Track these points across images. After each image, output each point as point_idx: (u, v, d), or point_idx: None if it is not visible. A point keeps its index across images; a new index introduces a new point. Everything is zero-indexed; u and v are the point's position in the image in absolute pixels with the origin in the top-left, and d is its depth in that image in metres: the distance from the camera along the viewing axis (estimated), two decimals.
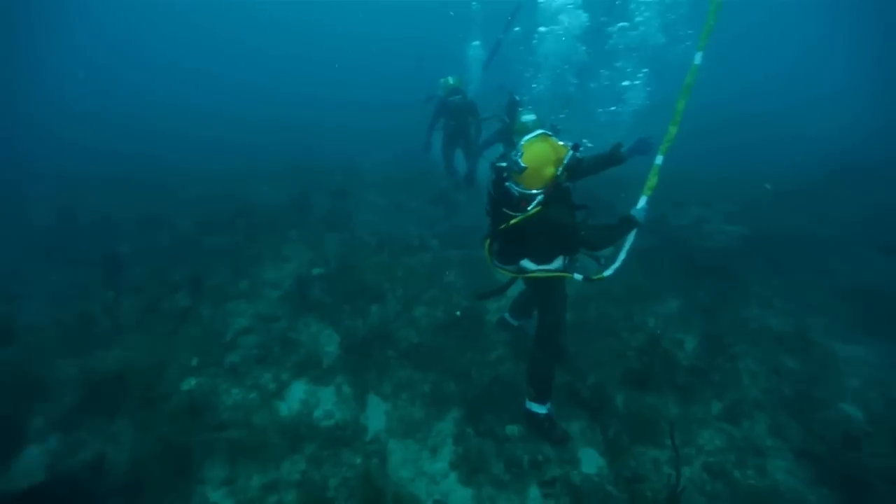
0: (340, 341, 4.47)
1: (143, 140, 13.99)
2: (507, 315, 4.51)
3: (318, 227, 7.23)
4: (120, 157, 12.02)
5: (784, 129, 14.24)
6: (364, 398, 3.85)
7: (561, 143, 2.90)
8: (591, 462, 3.30)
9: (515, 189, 2.87)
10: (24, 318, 4.98)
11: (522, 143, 2.88)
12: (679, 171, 8.16)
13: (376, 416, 3.70)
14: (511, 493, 3.06)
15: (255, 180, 10.07)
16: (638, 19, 8.26)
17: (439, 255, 6.45)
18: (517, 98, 6.17)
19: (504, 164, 2.91)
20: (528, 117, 5.13)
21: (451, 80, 7.12)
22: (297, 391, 3.91)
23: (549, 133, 2.95)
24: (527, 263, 3.09)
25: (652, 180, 3.11)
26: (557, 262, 3.06)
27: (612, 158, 3.41)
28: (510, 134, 5.97)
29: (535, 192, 2.80)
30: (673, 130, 3.10)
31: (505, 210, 2.96)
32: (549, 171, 2.79)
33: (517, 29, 8.47)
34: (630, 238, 3.05)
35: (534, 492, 3.07)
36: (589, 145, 2.99)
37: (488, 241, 3.16)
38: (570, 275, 3.04)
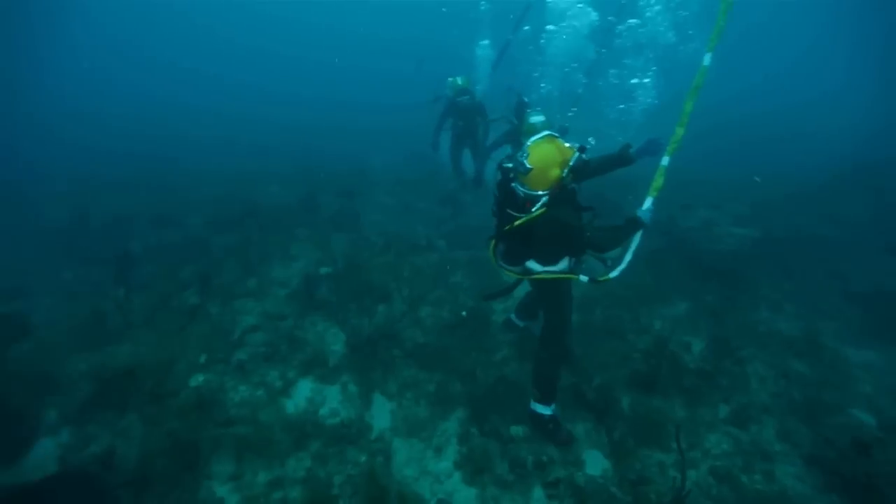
0: (346, 340, 4.50)
1: (151, 141, 14.12)
2: (513, 316, 4.51)
3: (325, 227, 7.29)
4: (129, 158, 12.15)
5: (789, 130, 14.09)
6: (369, 397, 3.87)
7: (567, 144, 2.90)
8: (595, 464, 3.28)
9: (521, 190, 2.88)
10: (39, 314, 5.10)
11: (528, 144, 2.88)
12: (687, 172, 8.12)
13: (381, 414, 3.72)
14: (515, 494, 3.05)
15: (263, 181, 10.16)
16: (648, 14, 8.20)
17: (446, 256, 6.46)
18: (525, 100, 6.17)
19: (510, 165, 2.92)
20: (537, 118, 5.12)
21: (459, 80, 7.12)
22: (304, 389, 3.95)
23: (556, 135, 2.95)
24: (532, 265, 3.09)
25: (658, 181, 3.09)
26: (563, 264, 3.06)
27: (620, 159, 3.40)
28: (518, 135, 5.98)
29: (540, 193, 2.81)
30: (680, 132, 3.07)
31: (509, 211, 2.97)
32: (555, 172, 2.79)
33: (527, 28, 8.46)
34: (636, 239, 3.04)
35: (538, 493, 3.07)
36: (592, 142, 2.98)
37: (493, 242, 3.17)
38: (575, 276, 3.04)
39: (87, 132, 15.34)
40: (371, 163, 11.73)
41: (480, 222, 7.35)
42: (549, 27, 8.01)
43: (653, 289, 5.39)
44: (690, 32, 8.07)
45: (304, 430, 3.46)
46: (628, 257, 3.02)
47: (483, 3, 10.53)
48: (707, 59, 3.02)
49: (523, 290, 4.03)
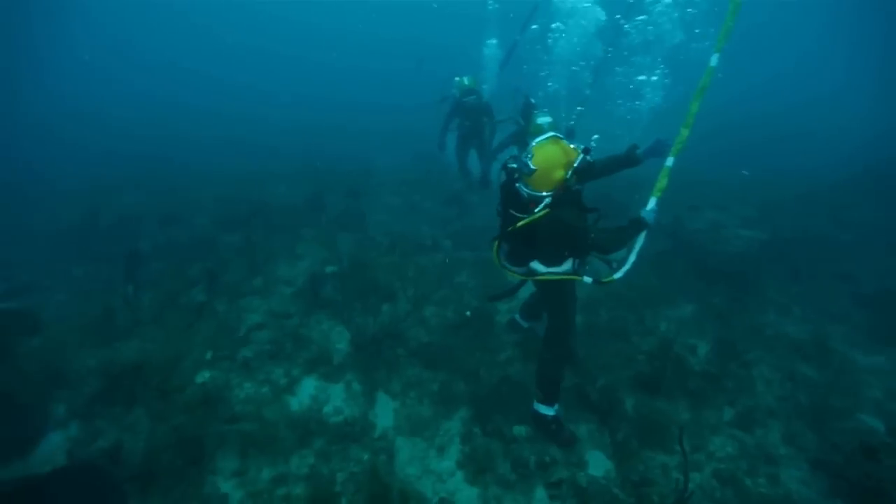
0: (351, 339, 4.53)
1: (152, 142, 14.13)
2: (517, 316, 4.50)
3: (331, 227, 7.32)
4: (133, 159, 12.22)
5: (793, 130, 13.92)
6: (373, 395, 3.89)
7: (572, 146, 2.90)
8: (598, 465, 3.28)
9: (525, 191, 2.88)
10: (50, 311, 5.19)
11: (533, 145, 2.89)
12: (693, 172, 8.07)
13: (385, 413, 3.74)
14: (517, 494, 3.06)
15: (269, 181, 10.22)
16: (658, 9, 8.14)
17: (451, 256, 6.47)
18: (532, 101, 6.16)
19: (514, 166, 2.93)
20: (544, 119, 5.13)
21: (465, 80, 7.12)
22: (308, 387, 3.98)
23: (561, 136, 2.95)
24: (536, 265, 3.09)
25: (662, 182, 3.08)
26: (567, 265, 3.06)
27: (627, 160, 3.39)
28: (525, 136, 5.97)
29: (543, 194, 2.81)
30: (685, 133, 3.06)
31: (512, 212, 2.97)
32: (559, 173, 2.79)
33: (535, 27, 8.45)
34: (640, 240, 3.03)
35: (540, 493, 3.07)
36: (595, 141, 2.98)
37: (496, 243, 3.17)
38: (579, 277, 3.04)
39: (87, 132, 15.42)
40: (376, 163, 11.76)
41: (486, 223, 7.35)
42: (556, 25, 7.99)
43: (658, 291, 5.36)
44: (697, 31, 8.01)
45: (308, 428, 3.49)
46: (632, 258, 3.01)
47: (491, 2, 10.54)
48: (714, 60, 3.01)
49: (528, 290, 4.03)
